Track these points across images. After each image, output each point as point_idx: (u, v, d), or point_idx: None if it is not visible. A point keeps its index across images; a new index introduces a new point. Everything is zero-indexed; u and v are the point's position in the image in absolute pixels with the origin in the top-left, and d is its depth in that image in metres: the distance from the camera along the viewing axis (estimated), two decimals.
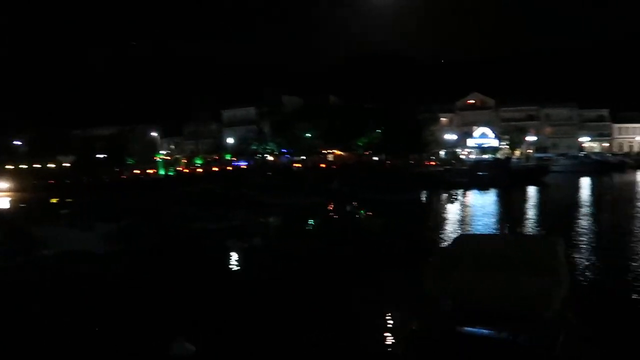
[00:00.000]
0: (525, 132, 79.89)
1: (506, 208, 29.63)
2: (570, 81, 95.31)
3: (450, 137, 77.07)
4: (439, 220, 24.08)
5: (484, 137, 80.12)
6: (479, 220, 23.30)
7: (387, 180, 40.19)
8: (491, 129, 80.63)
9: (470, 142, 79.53)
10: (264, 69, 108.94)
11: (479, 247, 4.98)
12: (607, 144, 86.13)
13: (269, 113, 68.39)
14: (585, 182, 45.04)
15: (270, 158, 67.21)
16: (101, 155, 57.77)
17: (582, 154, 72.94)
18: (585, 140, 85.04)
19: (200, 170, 58.25)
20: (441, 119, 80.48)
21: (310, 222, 25.23)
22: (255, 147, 66.00)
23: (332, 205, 30.18)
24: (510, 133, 79.94)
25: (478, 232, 18.82)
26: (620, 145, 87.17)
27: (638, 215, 23.24)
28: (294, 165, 61.65)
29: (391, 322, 9.21)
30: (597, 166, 57.74)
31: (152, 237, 17.49)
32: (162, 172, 56.48)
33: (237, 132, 73.16)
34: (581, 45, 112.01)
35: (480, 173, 46.28)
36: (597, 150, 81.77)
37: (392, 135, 59.52)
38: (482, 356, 3.78)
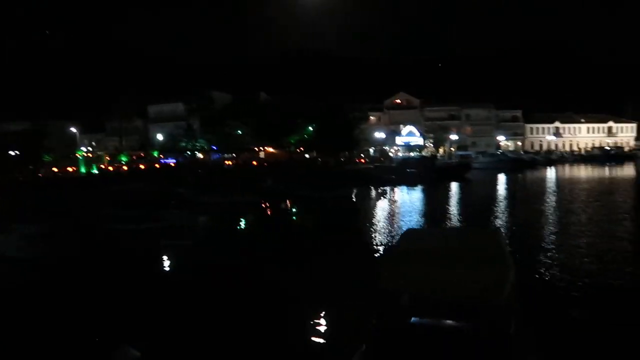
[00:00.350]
0: (447, 131, 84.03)
1: (434, 203, 31.05)
2: (488, 83, 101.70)
3: (379, 135, 79.41)
4: (372, 216, 24.81)
5: (410, 135, 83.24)
6: (409, 215, 24.30)
7: (319, 177, 40.80)
8: (417, 128, 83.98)
9: (398, 140, 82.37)
10: (194, 66, 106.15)
11: (428, 241, 5.26)
12: (521, 143, 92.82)
13: (199, 109, 66.47)
14: (502, 179, 48.24)
15: (200, 155, 65.52)
16: (13, 153, 53.23)
17: (499, 152, 77.98)
18: (501, 139, 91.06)
19: (126, 168, 55.51)
20: (370, 117, 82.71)
21: (245, 220, 25.05)
22: (184, 144, 63.97)
23: (266, 203, 30.10)
24: (435, 132, 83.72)
25: (412, 226, 19.65)
26: (532, 144, 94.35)
27: (550, 208, 25.45)
28: (225, 162, 60.59)
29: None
30: (512, 164, 62.16)
31: (79, 239, 16.55)
32: (83, 170, 53.12)
33: (164, 129, 70.41)
34: (499, 49, 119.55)
35: (408, 170, 48.16)
36: (512, 148, 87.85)
37: (323, 132, 60.21)
38: (439, 346, 4.04)
